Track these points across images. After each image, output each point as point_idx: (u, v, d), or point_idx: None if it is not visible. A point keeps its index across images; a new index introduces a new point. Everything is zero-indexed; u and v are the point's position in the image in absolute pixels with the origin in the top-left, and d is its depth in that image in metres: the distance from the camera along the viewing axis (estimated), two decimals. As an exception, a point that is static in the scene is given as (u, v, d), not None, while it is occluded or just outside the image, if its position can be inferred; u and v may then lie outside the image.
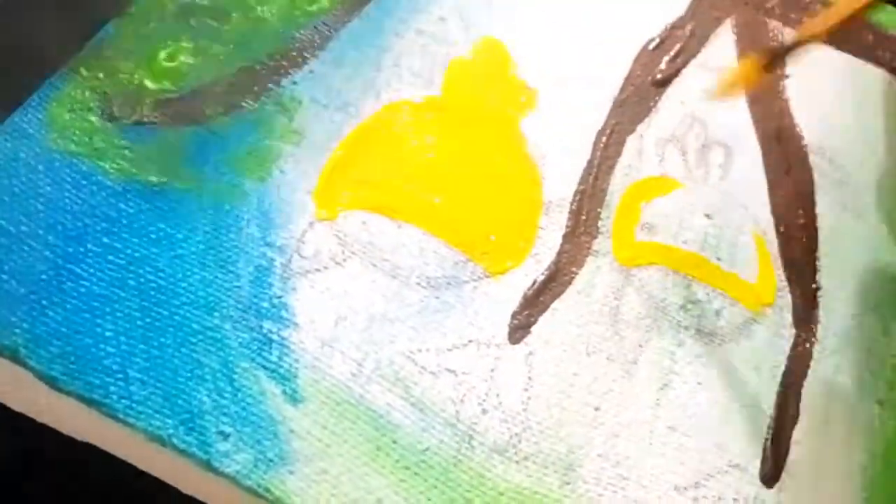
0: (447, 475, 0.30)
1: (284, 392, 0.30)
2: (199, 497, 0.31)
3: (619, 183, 0.37)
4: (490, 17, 0.39)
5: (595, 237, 0.35)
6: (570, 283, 0.34)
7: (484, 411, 0.31)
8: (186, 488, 0.30)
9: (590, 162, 0.37)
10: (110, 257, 0.30)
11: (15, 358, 0.28)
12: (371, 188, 0.34)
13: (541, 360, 0.33)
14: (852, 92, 0.42)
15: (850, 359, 0.36)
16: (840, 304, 0.37)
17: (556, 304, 0.34)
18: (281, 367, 0.30)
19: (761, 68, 0.33)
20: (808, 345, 0.36)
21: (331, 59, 0.36)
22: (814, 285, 0.37)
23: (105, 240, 0.30)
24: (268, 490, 0.28)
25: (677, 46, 0.41)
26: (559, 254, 0.35)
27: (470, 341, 0.32)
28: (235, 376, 0.29)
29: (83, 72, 0.33)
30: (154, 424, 0.28)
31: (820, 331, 0.36)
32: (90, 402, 0.28)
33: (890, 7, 0.45)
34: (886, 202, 0.39)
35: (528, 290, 0.34)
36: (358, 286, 0.32)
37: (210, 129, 0.33)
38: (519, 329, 0.33)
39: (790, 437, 0.34)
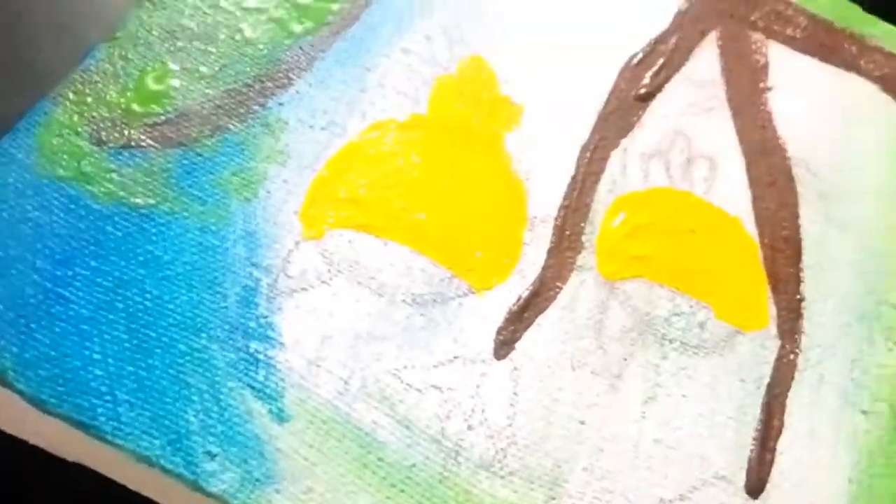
0: (433, 491, 0.30)
1: (271, 411, 0.30)
2: (189, 516, 0.31)
3: (603, 198, 0.37)
4: (475, 36, 0.39)
5: (579, 252, 0.36)
6: (554, 299, 0.35)
7: (469, 427, 0.32)
8: (175, 508, 0.31)
9: (574, 177, 0.37)
10: (98, 280, 0.30)
11: (3, 381, 0.28)
12: (357, 207, 0.34)
13: (526, 376, 0.33)
14: (836, 103, 0.42)
15: (835, 369, 0.36)
16: (824, 316, 0.37)
17: (540, 320, 0.34)
18: (267, 386, 0.30)
19: None
20: (792, 356, 0.36)
21: (316, 80, 0.36)
22: (798, 296, 0.37)
23: (93, 263, 0.31)
24: (255, 509, 0.29)
25: (661, 61, 0.41)
26: (544, 269, 0.35)
27: (455, 358, 0.33)
28: (222, 396, 0.30)
29: (71, 96, 0.33)
30: (142, 445, 0.29)
31: (804, 342, 0.36)
32: (79, 425, 0.29)
33: (873, 18, 0.45)
34: (871, 214, 0.40)
35: (513, 305, 0.34)
36: (344, 305, 0.32)
37: (197, 152, 0.33)
38: (504, 345, 0.33)
39: (775, 448, 0.34)
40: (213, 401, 0.30)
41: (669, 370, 0.34)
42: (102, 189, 0.32)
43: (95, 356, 0.29)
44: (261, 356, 0.31)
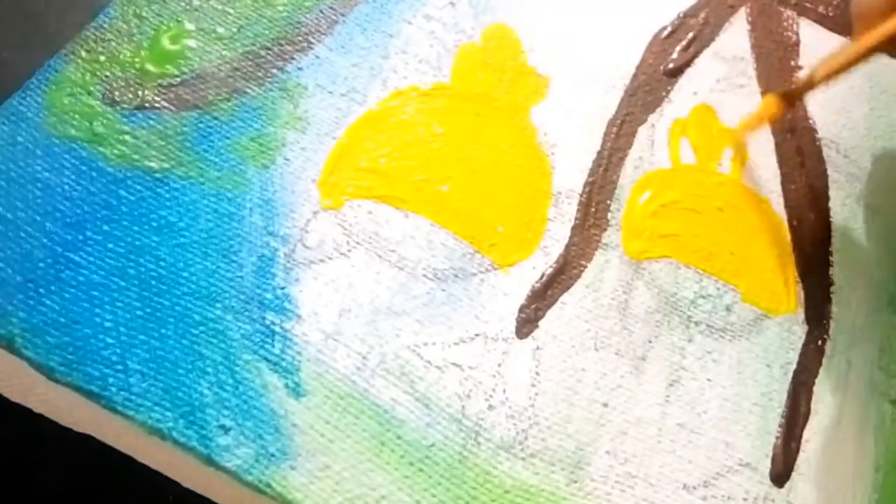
0: (452, 472, 0.29)
1: (287, 385, 0.29)
2: (200, 491, 0.30)
3: (629, 175, 0.36)
4: (500, 3, 0.38)
5: (605, 230, 0.35)
6: (578, 277, 0.34)
7: (490, 407, 0.31)
8: (187, 482, 0.30)
9: (600, 152, 0.36)
10: (110, 245, 0.29)
11: (11, 348, 0.27)
12: (377, 177, 0.33)
13: (548, 355, 0.32)
14: (867, 84, 0.41)
15: (863, 357, 0.35)
16: (853, 301, 0.36)
17: (564, 298, 0.33)
18: (283, 359, 0.29)
19: (782, 105, 0.35)
20: (819, 342, 0.35)
21: (337, 44, 0.35)
22: (826, 281, 0.36)
23: (105, 227, 0.30)
24: (269, 485, 0.28)
25: (690, 35, 0.40)
26: (568, 246, 0.34)
27: (477, 335, 0.32)
28: (237, 369, 0.29)
29: (83, 54, 0.32)
30: (154, 417, 0.28)
31: (832, 327, 0.35)
32: (88, 394, 0.28)
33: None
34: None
35: (536, 283, 0.33)
36: (363, 278, 0.31)
37: (213, 115, 0.32)
38: (526, 323, 0.32)
39: (801, 436, 0.33)
40: (228, 373, 0.29)
41: (695, 353, 0.34)
42: (115, 151, 0.31)
43: (107, 324, 0.28)
44: (277, 328, 0.30)
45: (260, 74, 0.33)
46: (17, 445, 0.32)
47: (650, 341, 0.33)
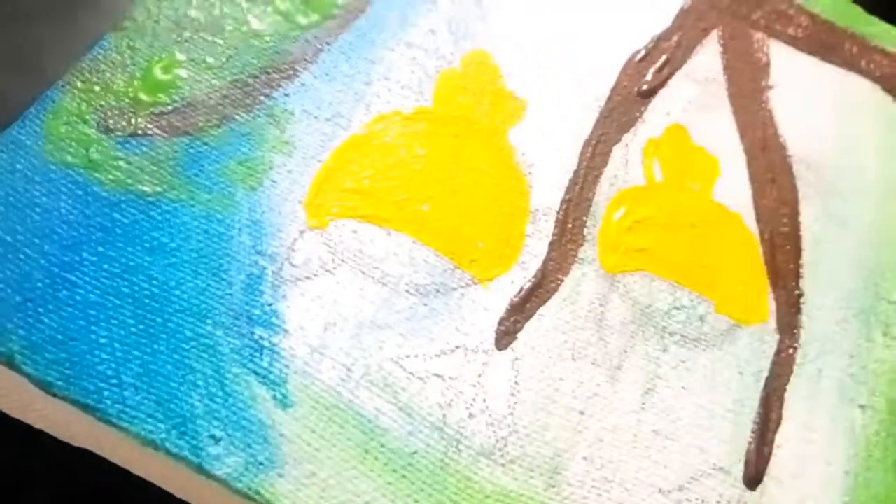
0: (434, 478, 0.31)
1: (275, 397, 0.30)
2: (193, 502, 0.31)
3: (604, 192, 0.37)
4: (479, 30, 0.39)
5: (581, 245, 0.36)
6: (556, 290, 0.35)
7: (471, 415, 0.32)
8: (179, 493, 0.31)
9: (576, 171, 0.37)
10: (105, 266, 0.31)
11: (10, 364, 0.29)
12: (361, 197, 0.35)
13: (527, 366, 0.33)
14: (837, 102, 0.43)
15: (833, 364, 0.36)
16: (823, 311, 0.37)
17: (542, 311, 0.34)
18: (271, 372, 0.31)
19: None
20: (791, 350, 0.36)
21: (322, 72, 0.36)
22: (797, 292, 0.37)
23: (100, 249, 0.31)
24: (258, 493, 0.29)
25: (663, 58, 0.41)
26: (545, 261, 0.35)
27: (457, 347, 0.33)
28: (227, 382, 0.30)
29: (79, 85, 0.33)
30: (147, 429, 0.29)
31: (803, 336, 0.37)
32: (85, 408, 0.29)
33: (874, 19, 0.45)
34: (870, 211, 0.40)
35: (515, 296, 0.34)
36: (347, 293, 0.33)
37: (203, 141, 0.34)
38: (506, 335, 0.34)
39: (773, 441, 0.34)
40: (218, 386, 0.30)
41: (669, 362, 0.35)
42: (110, 176, 0.32)
43: (102, 340, 0.30)
44: (265, 342, 0.31)
45: (248, 101, 0.35)
46: (3, 467, 0.33)
47: (626, 351, 0.34)
